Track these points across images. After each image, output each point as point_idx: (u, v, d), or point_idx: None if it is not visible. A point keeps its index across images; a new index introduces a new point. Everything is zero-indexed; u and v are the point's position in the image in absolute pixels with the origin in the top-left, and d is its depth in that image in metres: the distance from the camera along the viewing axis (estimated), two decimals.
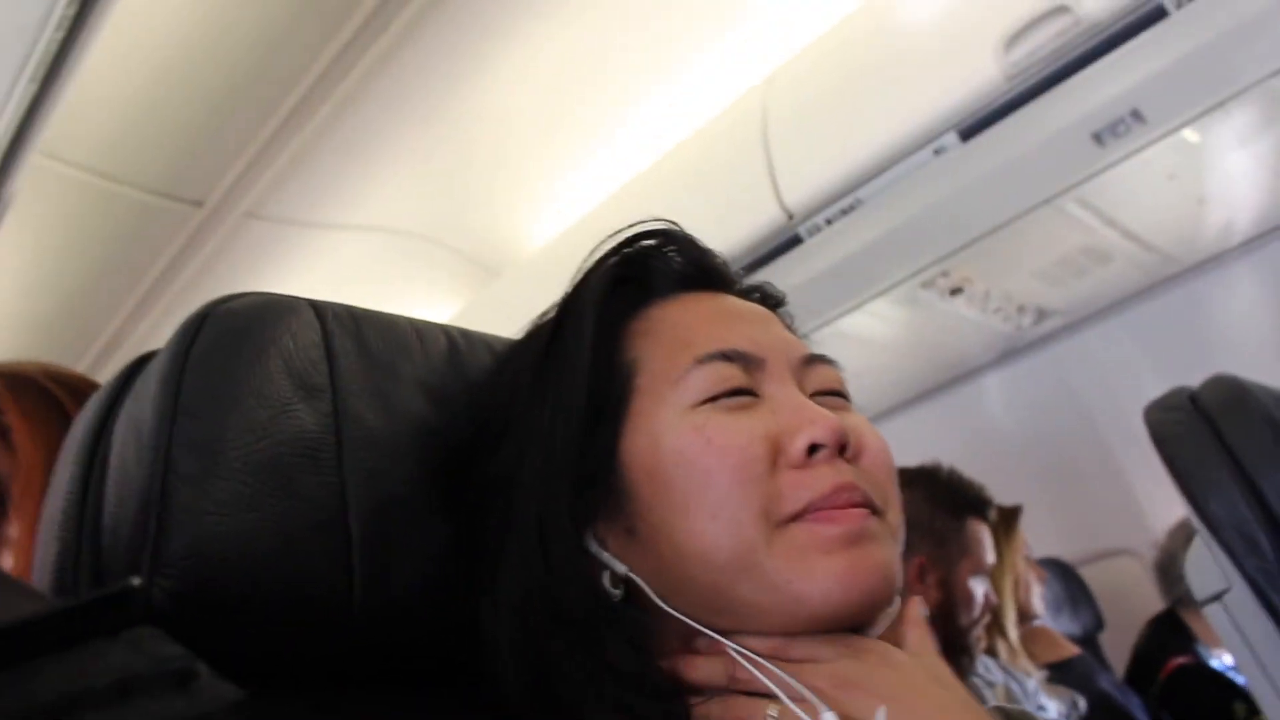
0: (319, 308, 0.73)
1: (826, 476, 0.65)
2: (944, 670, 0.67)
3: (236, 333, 0.67)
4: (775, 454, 0.66)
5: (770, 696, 0.63)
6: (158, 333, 2.89)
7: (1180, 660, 2.69)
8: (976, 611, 2.12)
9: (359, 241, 2.89)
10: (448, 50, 2.25)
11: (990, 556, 2.19)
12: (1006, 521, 2.44)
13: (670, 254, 0.79)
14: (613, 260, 0.77)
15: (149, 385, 0.66)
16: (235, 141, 2.38)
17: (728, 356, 0.70)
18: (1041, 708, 2.20)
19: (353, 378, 0.71)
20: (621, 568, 0.68)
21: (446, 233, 3.03)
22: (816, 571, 0.63)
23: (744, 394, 0.69)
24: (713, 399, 0.68)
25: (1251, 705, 2.49)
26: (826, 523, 0.64)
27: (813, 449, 0.66)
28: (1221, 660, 2.71)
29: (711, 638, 0.66)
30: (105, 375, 0.74)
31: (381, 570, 0.66)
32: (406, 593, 0.68)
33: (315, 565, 0.64)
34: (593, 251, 0.78)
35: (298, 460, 0.65)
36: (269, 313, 0.70)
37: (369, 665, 0.68)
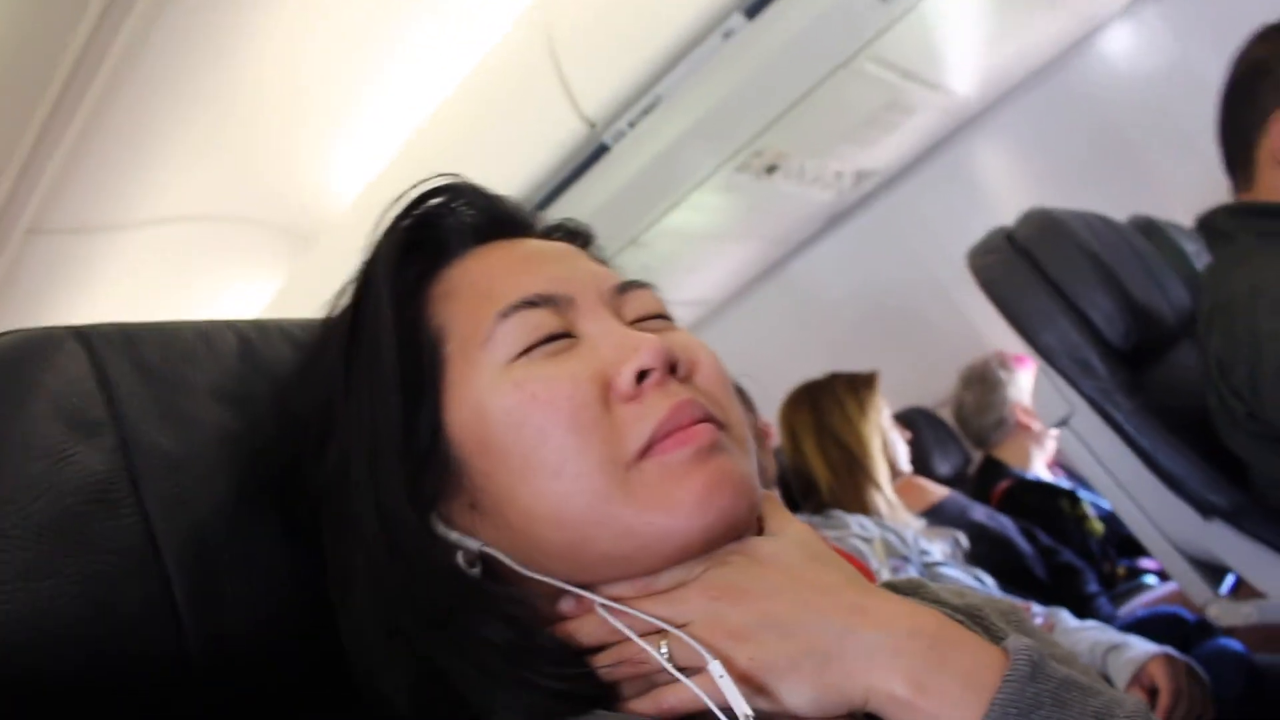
0: (84, 334, 0.67)
1: (661, 400, 0.63)
2: (814, 540, 0.65)
3: None
4: (605, 392, 0.63)
5: (659, 632, 0.61)
6: None
7: (1003, 485, 2.92)
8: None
9: (160, 236, 2.74)
10: (205, 16, 2.12)
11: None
12: (867, 385, 2.51)
13: (459, 208, 0.74)
14: (401, 225, 0.72)
15: None
16: None
17: (532, 303, 0.66)
18: (925, 552, 2.26)
19: (136, 403, 0.65)
20: (474, 544, 0.64)
21: (250, 209, 2.90)
22: (674, 500, 0.60)
23: (559, 338, 0.66)
24: (527, 350, 0.65)
25: (1073, 499, 2.70)
26: (674, 448, 0.62)
27: (641, 376, 0.63)
28: (1035, 474, 3.01)
29: (576, 594, 0.63)
30: None
31: (211, 603, 0.62)
32: (245, 621, 0.64)
33: (135, 618, 0.59)
34: (378, 221, 0.72)
35: (88, 508, 0.59)
36: (24, 352, 0.63)
37: (220, 714, 0.64)
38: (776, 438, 2.53)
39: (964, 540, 2.42)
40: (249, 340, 0.76)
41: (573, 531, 0.62)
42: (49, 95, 2.07)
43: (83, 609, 0.57)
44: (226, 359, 0.73)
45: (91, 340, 0.67)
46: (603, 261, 0.79)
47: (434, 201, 0.74)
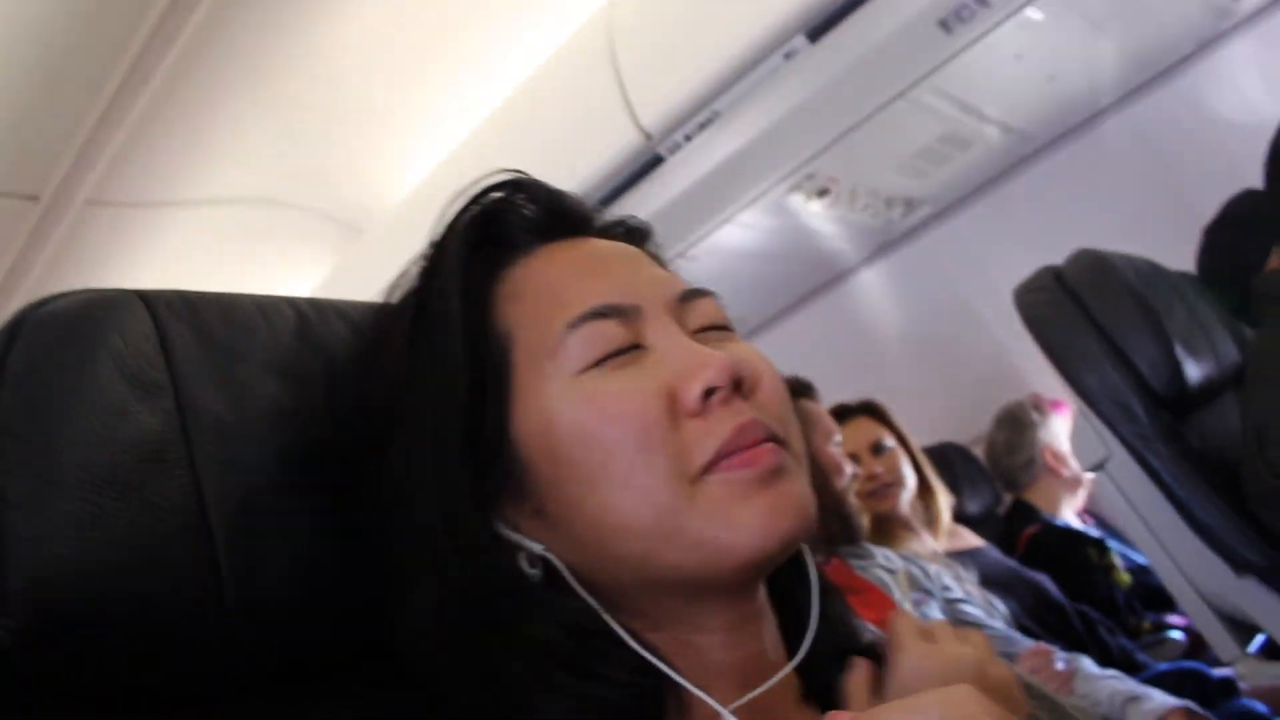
0: (148, 298, 0.68)
1: (726, 419, 0.64)
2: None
3: (57, 337, 0.62)
4: (672, 406, 0.64)
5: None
6: None
7: (1031, 530, 2.89)
8: (846, 477, 2.18)
9: (213, 216, 2.78)
10: (276, 5, 2.15)
11: (833, 425, 2.26)
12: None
13: (522, 203, 0.75)
14: (465, 219, 0.72)
15: None
16: (64, 127, 2.25)
17: (601, 313, 0.66)
18: (947, 588, 2.25)
19: (194, 368, 0.66)
20: (537, 547, 0.65)
21: (303, 195, 2.94)
22: (739, 521, 0.61)
23: (628, 350, 0.66)
24: (596, 363, 0.65)
25: (1101, 549, 2.68)
26: (740, 468, 0.63)
27: (708, 393, 0.64)
28: (1065, 520, 2.97)
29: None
30: None
31: (252, 566, 0.63)
32: (282, 586, 0.65)
33: (179, 573, 0.60)
34: (441, 214, 0.73)
35: (144, 465, 0.60)
36: (91, 311, 0.65)
37: (251, 674, 0.65)
38: None
39: (964, 575, 2.40)
40: (306, 317, 0.77)
41: (641, 543, 0.63)
42: (120, 68, 2.11)
43: (131, 559, 0.58)
44: (283, 334, 0.74)
45: (155, 304, 0.68)
46: (661, 260, 0.80)
47: (496, 195, 0.74)
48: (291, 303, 0.78)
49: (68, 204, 2.45)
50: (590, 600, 0.64)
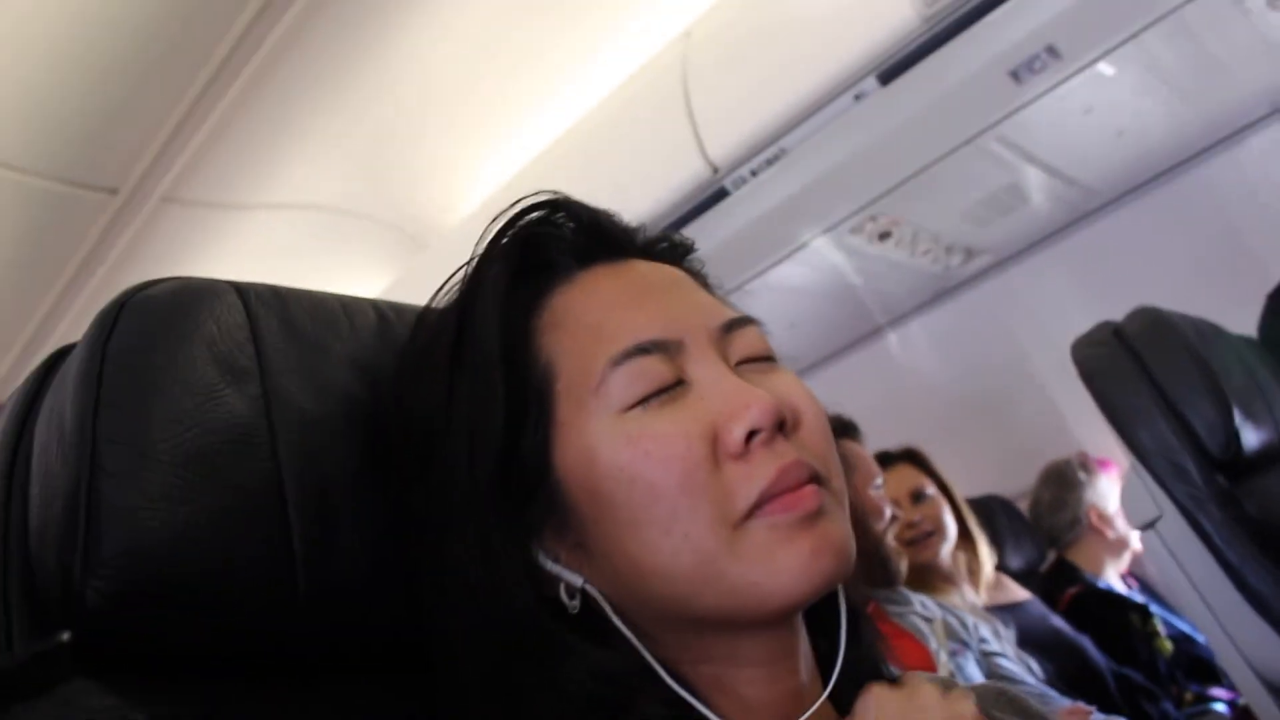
0: (242, 289, 0.71)
1: (769, 461, 0.63)
2: None
3: (156, 320, 0.65)
4: (714, 447, 0.63)
5: None
6: (79, 329, 2.74)
7: (1073, 590, 2.86)
8: (885, 519, 2.17)
9: (282, 220, 2.83)
10: (361, 17, 2.20)
11: (874, 468, 2.25)
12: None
13: (562, 223, 0.74)
14: (505, 241, 0.72)
15: (68, 380, 0.63)
16: (147, 124, 2.31)
17: (644, 349, 0.66)
18: (984, 640, 2.23)
19: (281, 359, 0.69)
20: (577, 579, 0.65)
21: (371, 206, 2.98)
22: (779, 566, 0.61)
23: (671, 388, 0.66)
24: (640, 402, 0.65)
25: (1144, 614, 2.63)
26: (782, 511, 0.62)
27: (751, 434, 0.63)
28: (1107, 583, 2.92)
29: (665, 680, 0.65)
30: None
31: (324, 551, 0.65)
32: (351, 571, 0.67)
33: (255, 552, 0.62)
34: (481, 238, 0.73)
35: (229, 447, 0.63)
36: (189, 297, 0.67)
37: (319, 651, 0.67)
38: None
39: (1002, 631, 2.38)
40: (386, 318, 0.79)
41: (680, 586, 0.63)
42: (206, 70, 2.16)
43: (212, 536, 0.60)
44: (364, 332, 0.76)
45: (248, 295, 0.71)
46: (703, 279, 0.79)
47: (535, 215, 0.73)
48: (373, 304, 0.80)
49: (144, 200, 2.50)
50: (629, 634, 0.64)
